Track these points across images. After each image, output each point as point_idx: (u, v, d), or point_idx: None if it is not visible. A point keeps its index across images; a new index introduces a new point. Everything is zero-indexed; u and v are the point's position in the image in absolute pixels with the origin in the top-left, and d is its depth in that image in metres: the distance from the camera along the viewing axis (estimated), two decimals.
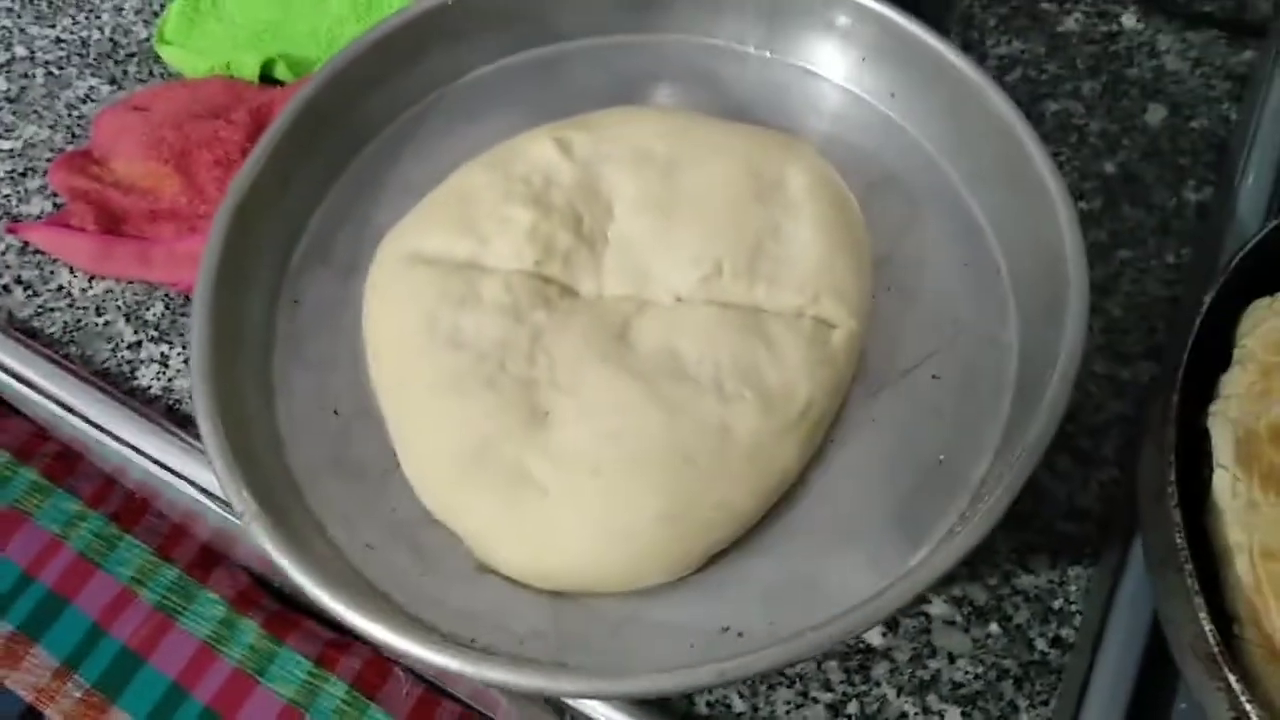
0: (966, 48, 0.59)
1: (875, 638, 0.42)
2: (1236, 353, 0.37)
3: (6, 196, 0.57)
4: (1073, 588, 0.43)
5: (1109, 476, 0.46)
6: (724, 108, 0.47)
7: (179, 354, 0.52)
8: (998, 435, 0.37)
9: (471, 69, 0.48)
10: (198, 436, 0.36)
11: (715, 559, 0.36)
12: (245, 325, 0.40)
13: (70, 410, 0.49)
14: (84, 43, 0.63)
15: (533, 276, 0.39)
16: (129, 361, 0.51)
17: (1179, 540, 0.32)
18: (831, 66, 0.47)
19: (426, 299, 0.38)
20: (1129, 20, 0.62)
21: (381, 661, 0.58)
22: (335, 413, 0.39)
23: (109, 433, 0.48)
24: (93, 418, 0.48)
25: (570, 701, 0.39)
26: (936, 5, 0.57)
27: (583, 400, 0.36)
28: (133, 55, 0.63)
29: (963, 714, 0.41)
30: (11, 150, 0.59)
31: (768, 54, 0.48)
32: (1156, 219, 0.55)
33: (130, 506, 0.62)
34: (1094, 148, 0.57)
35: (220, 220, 0.40)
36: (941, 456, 0.38)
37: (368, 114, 0.47)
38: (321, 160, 0.45)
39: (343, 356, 0.41)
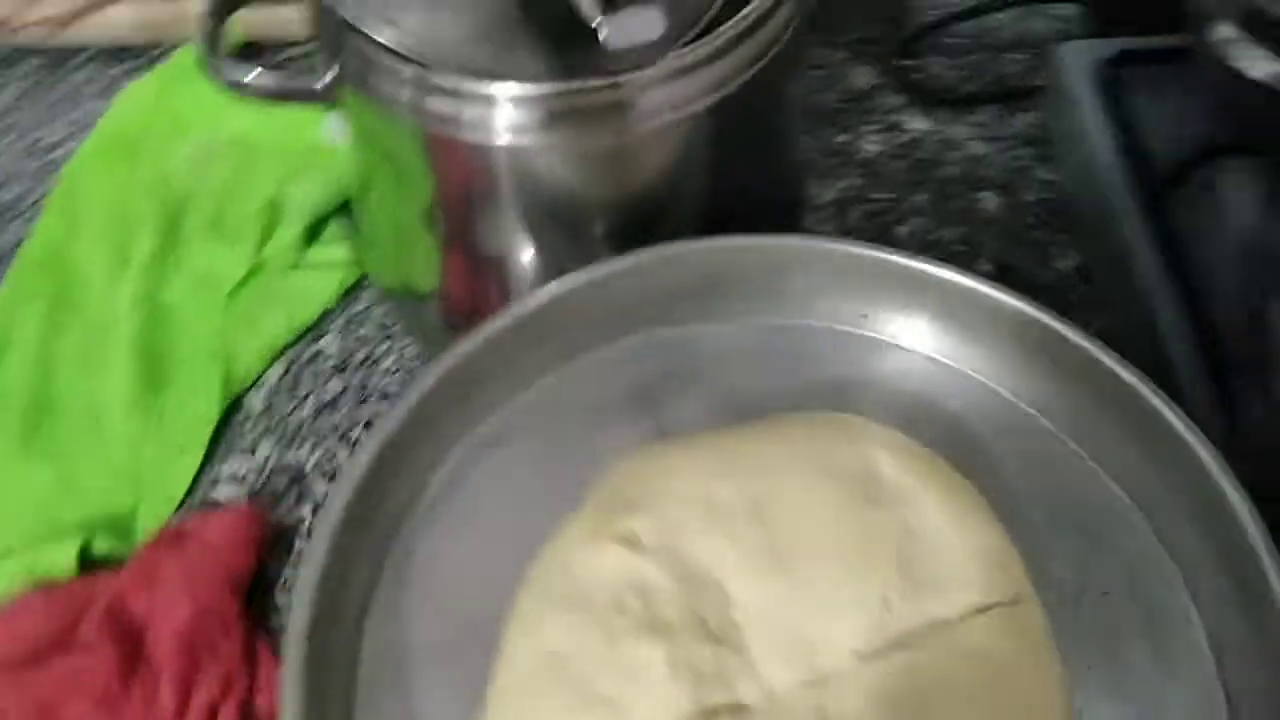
0: (796, 204, 0.58)
1: None
2: None
3: None
4: None
5: None
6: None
7: None
8: None
9: None
10: None
11: None
12: None
13: None
14: None
15: (697, 718, 0.31)
16: None
17: None
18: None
19: None
20: (917, 124, 0.64)
21: None
22: None
23: None
24: None
25: None
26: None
27: None
28: None
29: None
30: None
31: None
32: (1049, 298, 0.56)
33: None
34: (960, 252, 0.58)
35: None
36: None
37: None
38: None
39: None
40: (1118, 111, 0.56)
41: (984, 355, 0.42)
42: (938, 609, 0.33)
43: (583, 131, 0.40)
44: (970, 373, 0.42)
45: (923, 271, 0.42)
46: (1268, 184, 0.52)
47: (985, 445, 0.40)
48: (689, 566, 0.34)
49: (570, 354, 0.42)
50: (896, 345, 0.43)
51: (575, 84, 0.38)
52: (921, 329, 0.43)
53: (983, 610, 0.33)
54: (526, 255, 0.46)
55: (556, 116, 0.39)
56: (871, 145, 0.63)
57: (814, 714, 0.31)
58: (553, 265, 0.44)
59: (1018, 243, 0.58)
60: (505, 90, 0.38)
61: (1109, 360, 0.39)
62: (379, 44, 0.38)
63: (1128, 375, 0.38)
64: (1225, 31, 0.48)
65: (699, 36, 0.38)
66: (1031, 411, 0.41)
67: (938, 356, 0.43)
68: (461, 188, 0.44)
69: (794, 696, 0.32)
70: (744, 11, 0.39)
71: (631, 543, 0.34)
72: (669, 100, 0.39)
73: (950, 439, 0.39)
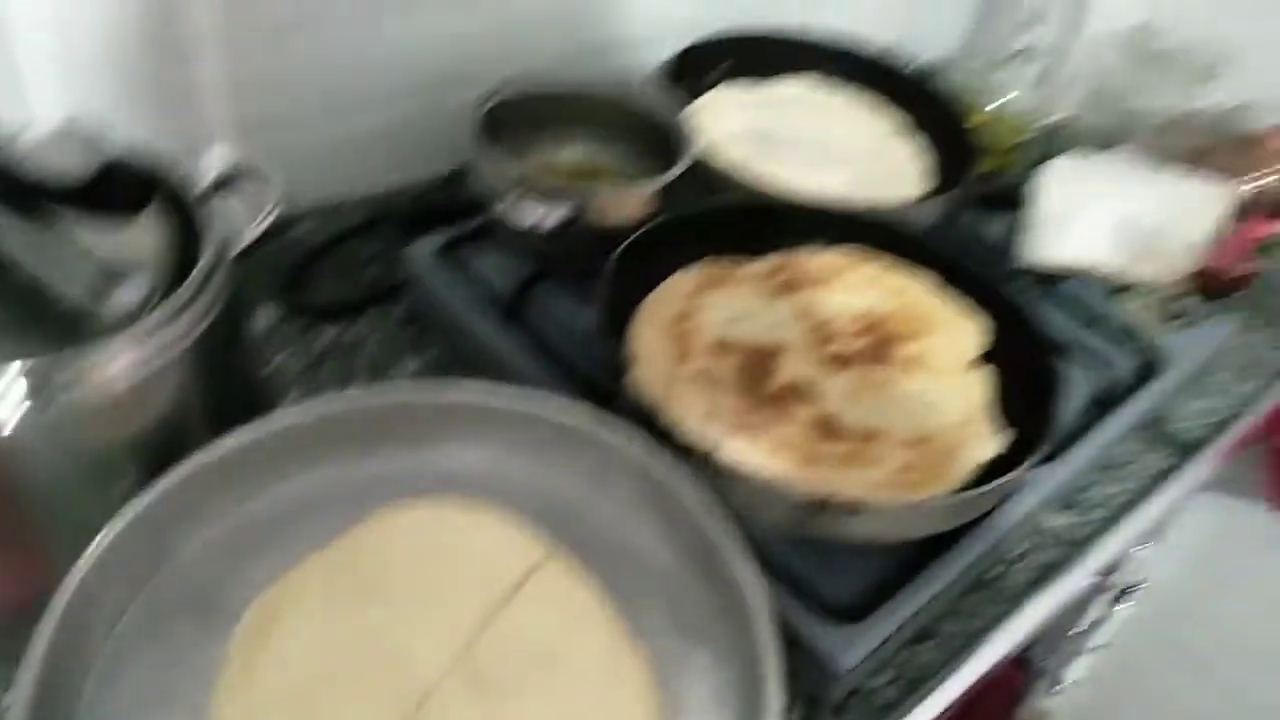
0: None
1: None
2: None
3: None
4: None
5: None
6: None
7: None
8: None
9: None
10: None
11: None
12: None
13: None
14: None
15: None
16: None
17: None
18: None
19: None
20: (326, 336, 0.80)
21: None
22: None
23: None
24: None
25: None
26: None
27: None
28: None
29: None
30: None
31: None
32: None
33: None
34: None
35: None
36: None
37: None
38: None
39: None
40: (462, 275, 0.78)
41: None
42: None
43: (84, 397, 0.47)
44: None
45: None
46: (569, 292, 0.78)
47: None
48: None
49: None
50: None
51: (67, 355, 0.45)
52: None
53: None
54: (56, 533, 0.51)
55: (55, 389, 0.47)
56: (297, 360, 0.77)
57: None
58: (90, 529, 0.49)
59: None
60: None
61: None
62: None
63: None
64: (502, 206, 0.72)
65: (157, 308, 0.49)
66: None
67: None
68: None
69: None
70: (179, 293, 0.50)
71: None
72: (142, 357, 0.49)
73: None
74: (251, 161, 0.60)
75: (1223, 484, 1.08)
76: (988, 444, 0.64)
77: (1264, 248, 0.95)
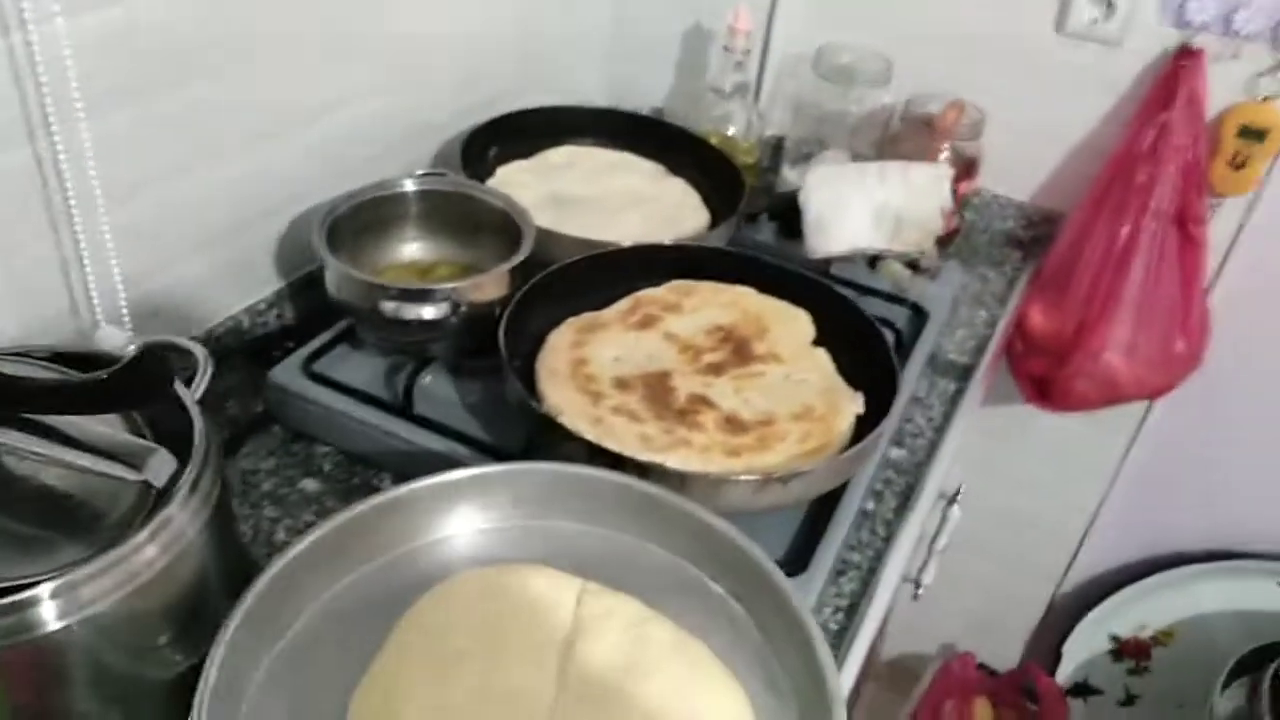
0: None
1: None
2: None
3: None
4: None
5: None
6: None
7: None
8: None
9: None
10: None
11: None
12: None
13: None
14: None
15: None
16: None
17: None
18: None
19: None
20: None
21: None
22: None
23: None
24: None
25: None
26: None
27: None
28: None
29: None
30: None
31: None
32: None
33: None
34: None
35: None
36: None
37: None
38: None
39: None
40: (334, 384, 0.82)
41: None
42: None
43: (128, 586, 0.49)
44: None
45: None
46: (444, 378, 0.84)
47: None
48: None
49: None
50: None
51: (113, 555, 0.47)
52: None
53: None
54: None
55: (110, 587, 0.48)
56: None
57: None
58: None
59: None
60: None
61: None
62: None
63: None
64: (385, 308, 0.77)
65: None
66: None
67: None
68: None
69: None
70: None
71: None
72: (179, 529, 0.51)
73: None
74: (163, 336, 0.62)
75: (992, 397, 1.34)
76: (853, 402, 0.79)
77: (964, 203, 1.20)
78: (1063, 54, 1.27)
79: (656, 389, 0.77)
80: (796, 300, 0.88)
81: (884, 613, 0.79)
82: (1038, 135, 1.31)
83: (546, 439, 0.71)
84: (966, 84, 1.19)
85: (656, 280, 0.89)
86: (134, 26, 0.71)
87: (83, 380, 0.48)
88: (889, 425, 0.74)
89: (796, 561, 0.72)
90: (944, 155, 1.15)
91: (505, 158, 1.09)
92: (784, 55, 1.32)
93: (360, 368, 0.85)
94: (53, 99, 0.66)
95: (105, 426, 0.51)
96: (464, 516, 0.62)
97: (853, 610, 0.77)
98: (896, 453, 0.92)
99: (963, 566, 1.41)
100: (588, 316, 0.85)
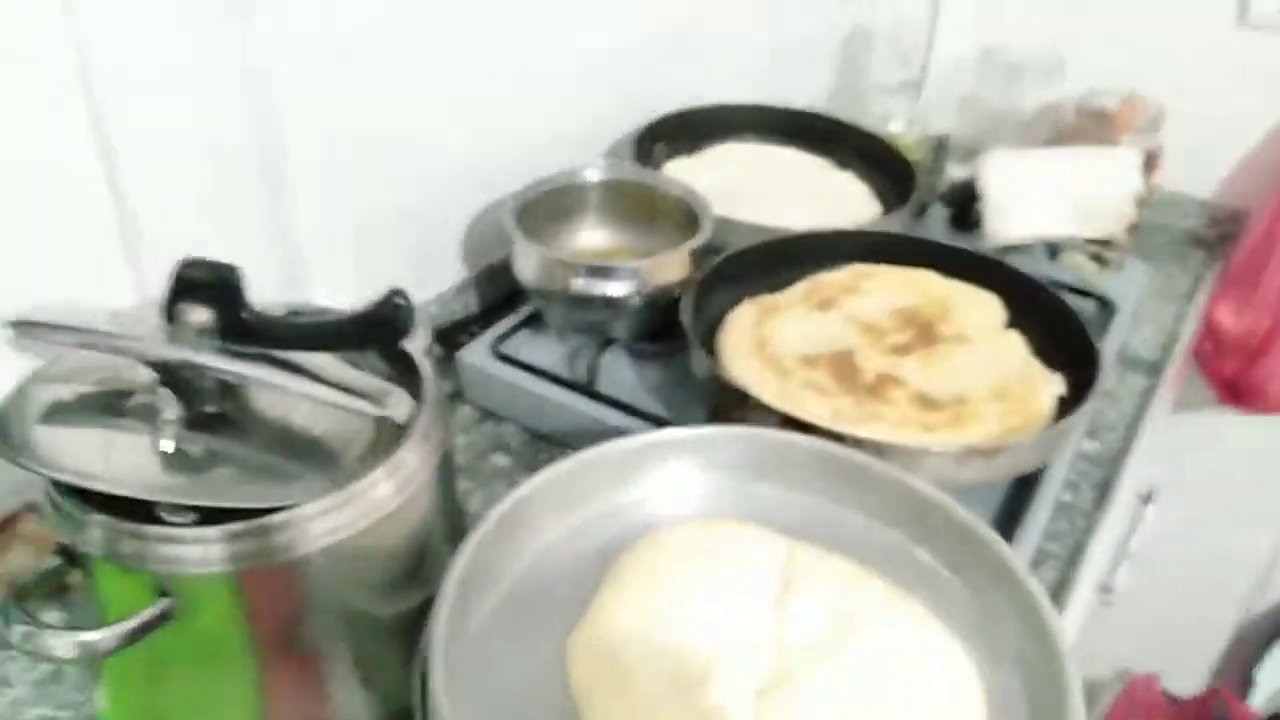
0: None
1: None
2: None
3: None
4: None
5: None
6: None
7: None
8: None
9: None
10: None
11: None
12: None
13: None
14: None
15: None
16: None
17: None
18: None
19: None
20: None
21: None
22: None
23: None
24: None
25: None
26: None
27: None
28: None
29: None
30: None
31: None
32: None
33: None
34: None
35: None
36: None
37: None
38: None
39: None
40: (521, 365, 0.84)
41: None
42: None
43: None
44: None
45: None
46: (625, 360, 0.85)
47: None
48: None
49: None
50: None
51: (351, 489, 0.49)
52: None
53: None
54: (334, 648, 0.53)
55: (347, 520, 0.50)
56: None
57: None
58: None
59: None
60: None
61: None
62: None
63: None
64: (573, 285, 0.79)
65: None
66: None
67: None
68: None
69: None
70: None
71: None
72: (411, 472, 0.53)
73: None
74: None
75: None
76: (1053, 383, 0.76)
77: (1140, 200, 1.15)
78: (1245, 44, 1.22)
79: (843, 367, 0.76)
80: (982, 285, 0.86)
81: (1085, 607, 0.76)
82: (1219, 130, 1.25)
83: (735, 414, 0.71)
84: (1141, 78, 1.14)
85: (833, 265, 0.89)
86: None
87: (335, 318, 0.51)
88: (1095, 400, 0.71)
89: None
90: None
91: (672, 154, 1.11)
92: (949, 51, 1.30)
93: (544, 350, 0.87)
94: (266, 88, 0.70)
95: (345, 368, 0.54)
96: (670, 476, 0.63)
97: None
98: (1090, 445, 0.88)
99: (1143, 582, 1.34)
100: (766, 298, 0.85)
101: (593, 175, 0.92)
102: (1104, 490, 0.83)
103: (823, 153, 1.14)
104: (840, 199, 1.07)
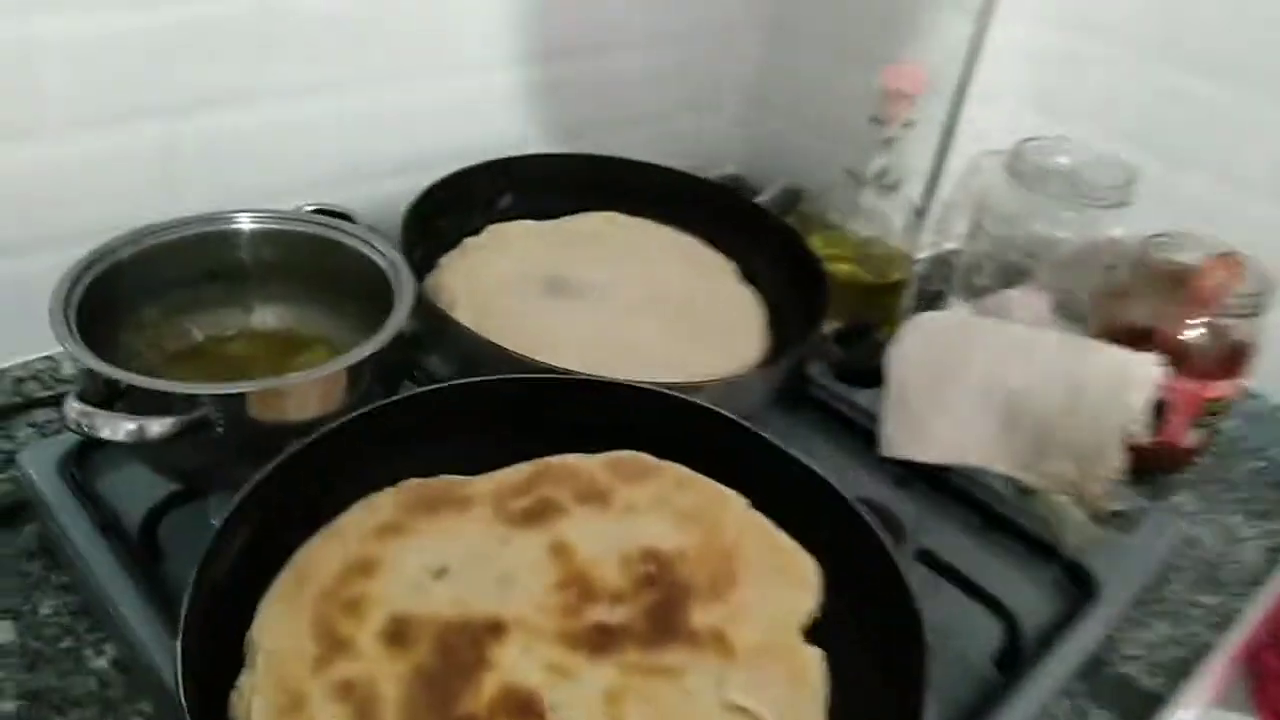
0: None
1: None
2: None
3: None
4: None
5: None
6: None
7: None
8: None
9: None
10: None
11: None
12: None
13: None
14: None
15: None
16: None
17: None
18: None
19: None
20: None
21: None
22: None
23: None
24: None
25: None
26: None
27: None
28: None
29: None
30: None
31: None
32: None
33: None
34: None
35: None
36: None
37: None
38: None
39: None
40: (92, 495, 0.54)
41: None
42: None
43: None
44: None
45: None
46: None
47: None
48: None
49: None
50: None
51: None
52: None
53: None
54: None
55: None
56: None
57: None
58: None
59: None
60: None
61: None
62: None
63: None
64: (76, 408, 0.46)
65: None
66: None
67: None
68: None
69: None
70: None
71: None
72: None
73: None
74: None
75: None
76: None
77: (1210, 411, 0.74)
78: None
79: (451, 660, 0.41)
80: (821, 525, 0.49)
81: None
82: None
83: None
84: (1244, 227, 0.73)
85: (597, 445, 0.53)
86: None
87: None
88: None
89: None
90: (1194, 333, 0.71)
91: (515, 213, 0.77)
92: (978, 145, 0.91)
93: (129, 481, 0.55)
94: None
95: None
96: None
97: None
98: None
99: None
100: (444, 482, 0.50)
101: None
102: None
103: (732, 247, 0.78)
104: (718, 318, 0.71)
